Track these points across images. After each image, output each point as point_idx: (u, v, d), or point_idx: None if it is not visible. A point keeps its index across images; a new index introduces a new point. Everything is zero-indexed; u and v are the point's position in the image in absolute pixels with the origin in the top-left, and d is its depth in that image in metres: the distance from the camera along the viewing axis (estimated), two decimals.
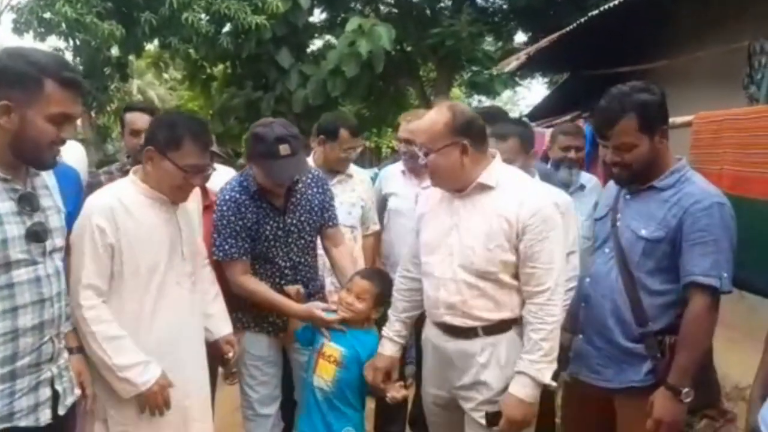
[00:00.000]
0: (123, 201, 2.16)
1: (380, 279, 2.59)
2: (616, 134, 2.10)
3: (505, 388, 2.08)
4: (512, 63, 8.06)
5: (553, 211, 2.10)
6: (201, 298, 2.42)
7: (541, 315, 2.03)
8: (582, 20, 5.78)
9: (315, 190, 2.71)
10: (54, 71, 1.68)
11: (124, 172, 2.82)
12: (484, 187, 2.12)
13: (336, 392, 2.45)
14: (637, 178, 2.15)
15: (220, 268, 2.59)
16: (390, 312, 2.47)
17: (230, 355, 2.51)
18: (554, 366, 2.06)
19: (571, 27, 6.04)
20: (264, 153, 2.44)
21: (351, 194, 3.26)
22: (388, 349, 2.41)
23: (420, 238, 2.31)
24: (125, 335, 2.12)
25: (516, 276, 2.09)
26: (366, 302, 2.49)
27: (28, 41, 9.79)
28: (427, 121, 2.17)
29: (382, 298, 2.54)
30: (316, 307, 2.53)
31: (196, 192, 2.46)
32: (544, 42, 6.99)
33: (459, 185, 2.15)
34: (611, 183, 2.37)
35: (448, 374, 2.23)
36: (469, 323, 2.13)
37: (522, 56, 7.66)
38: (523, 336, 2.09)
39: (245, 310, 2.66)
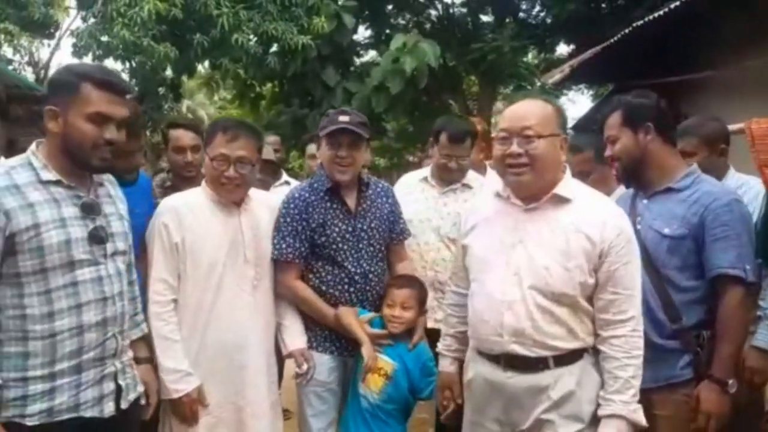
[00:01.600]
0: (189, 202, 2.36)
1: (415, 282, 2.61)
2: (606, 128, 2.33)
3: (581, 426, 1.93)
4: (555, 75, 8.02)
5: (632, 232, 1.99)
6: (266, 304, 2.47)
7: (627, 349, 1.89)
8: (626, 31, 5.75)
9: (384, 199, 2.68)
10: (90, 75, 1.83)
11: (164, 189, 2.90)
12: (560, 200, 1.96)
13: (381, 404, 2.45)
14: (631, 174, 2.29)
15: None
16: (442, 327, 2.41)
17: (304, 367, 2.49)
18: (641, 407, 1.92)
19: (615, 38, 6.01)
20: (325, 124, 2.55)
21: (463, 205, 2.97)
22: (445, 365, 2.35)
23: (469, 253, 2.13)
24: (178, 340, 2.24)
25: (590, 301, 1.94)
26: (413, 309, 2.51)
27: None
28: (531, 106, 2.00)
29: (424, 300, 2.60)
30: (361, 320, 2.47)
31: (269, 202, 2.58)
32: (587, 54, 6.96)
33: (546, 185, 1.97)
34: (623, 192, 2.48)
35: (512, 416, 2.01)
36: (541, 353, 1.93)
37: (566, 68, 7.62)
38: (596, 367, 1.95)
39: (307, 329, 2.58)
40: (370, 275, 2.58)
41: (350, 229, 2.56)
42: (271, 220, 2.53)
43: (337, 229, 2.54)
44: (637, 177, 2.29)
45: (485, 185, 3.06)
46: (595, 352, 1.97)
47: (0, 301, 1.74)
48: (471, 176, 3.10)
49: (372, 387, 2.45)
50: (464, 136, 3.01)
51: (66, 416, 1.79)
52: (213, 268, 2.31)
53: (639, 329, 1.92)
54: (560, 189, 1.97)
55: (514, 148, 1.93)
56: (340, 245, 2.54)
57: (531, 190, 1.98)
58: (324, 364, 2.56)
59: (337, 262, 2.54)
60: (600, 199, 2.06)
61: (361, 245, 2.56)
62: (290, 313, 2.56)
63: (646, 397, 2.10)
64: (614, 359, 1.90)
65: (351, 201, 2.59)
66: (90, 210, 1.88)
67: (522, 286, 1.93)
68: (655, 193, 2.25)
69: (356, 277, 2.54)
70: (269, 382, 2.48)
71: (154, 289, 2.26)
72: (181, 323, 2.28)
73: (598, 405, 1.93)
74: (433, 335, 2.68)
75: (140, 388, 2.05)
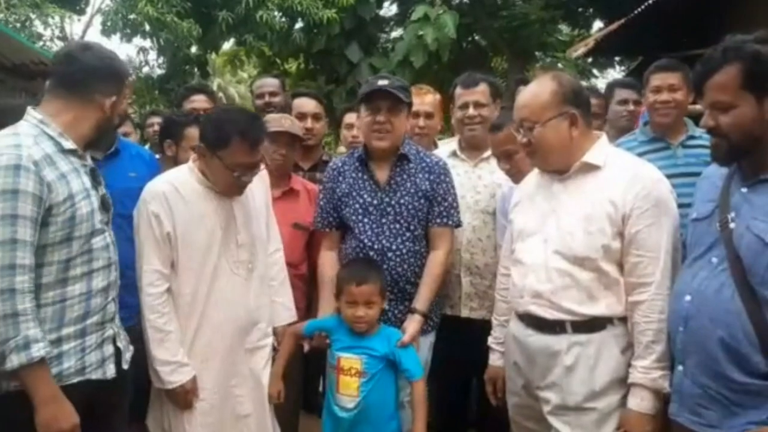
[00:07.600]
0: (177, 187, 2.20)
1: (374, 272, 2.31)
2: (709, 90, 1.68)
3: (592, 396, 1.92)
4: (580, 49, 7.81)
5: (668, 196, 1.94)
6: (261, 287, 2.37)
7: (647, 312, 1.86)
8: (650, 0, 5.57)
9: (428, 176, 2.47)
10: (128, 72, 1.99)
11: None
12: (590, 168, 1.98)
13: (364, 406, 2.26)
14: (739, 155, 1.71)
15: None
16: (492, 317, 2.37)
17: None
18: (668, 372, 1.84)
19: (641, 8, 5.83)
20: (364, 88, 2.50)
21: (500, 174, 2.66)
22: (494, 359, 2.32)
23: (513, 227, 2.19)
24: (172, 330, 2.15)
25: (621, 266, 1.93)
26: (377, 305, 2.28)
27: (115, 42, 10.41)
28: (527, 94, 2.04)
29: (385, 289, 2.33)
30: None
31: (265, 180, 2.47)
32: (614, 26, 6.77)
33: (565, 163, 2.00)
34: (712, 169, 1.88)
35: (530, 374, 2.06)
36: (557, 315, 1.96)
37: (590, 41, 7.42)
38: (618, 339, 1.93)
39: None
40: (389, 253, 2.41)
41: (375, 202, 2.44)
42: (261, 193, 2.44)
43: (361, 201, 2.45)
44: (741, 159, 1.73)
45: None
46: (625, 323, 1.94)
47: None
48: None
49: (347, 391, 2.28)
50: (477, 80, 2.74)
51: (74, 380, 1.84)
52: (207, 256, 2.21)
53: (661, 293, 1.86)
54: (589, 157, 1.98)
55: (520, 137, 2.05)
56: (361, 218, 2.44)
57: (552, 168, 2.05)
58: None
59: (354, 235, 2.45)
60: (634, 163, 2.02)
61: (384, 220, 2.43)
62: (278, 287, 2.48)
63: None
64: (636, 324, 1.88)
65: (382, 173, 2.47)
66: (96, 178, 1.94)
67: (547, 251, 2.00)
68: (759, 181, 1.67)
69: (371, 253, 2.42)
70: (262, 366, 2.39)
71: (148, 281, 2.14)
72: (177, 312, 2.20)
73: (620, 376, 1.92)
74: (467, 325, 2.61)
75: (131, 348, 2.09)
